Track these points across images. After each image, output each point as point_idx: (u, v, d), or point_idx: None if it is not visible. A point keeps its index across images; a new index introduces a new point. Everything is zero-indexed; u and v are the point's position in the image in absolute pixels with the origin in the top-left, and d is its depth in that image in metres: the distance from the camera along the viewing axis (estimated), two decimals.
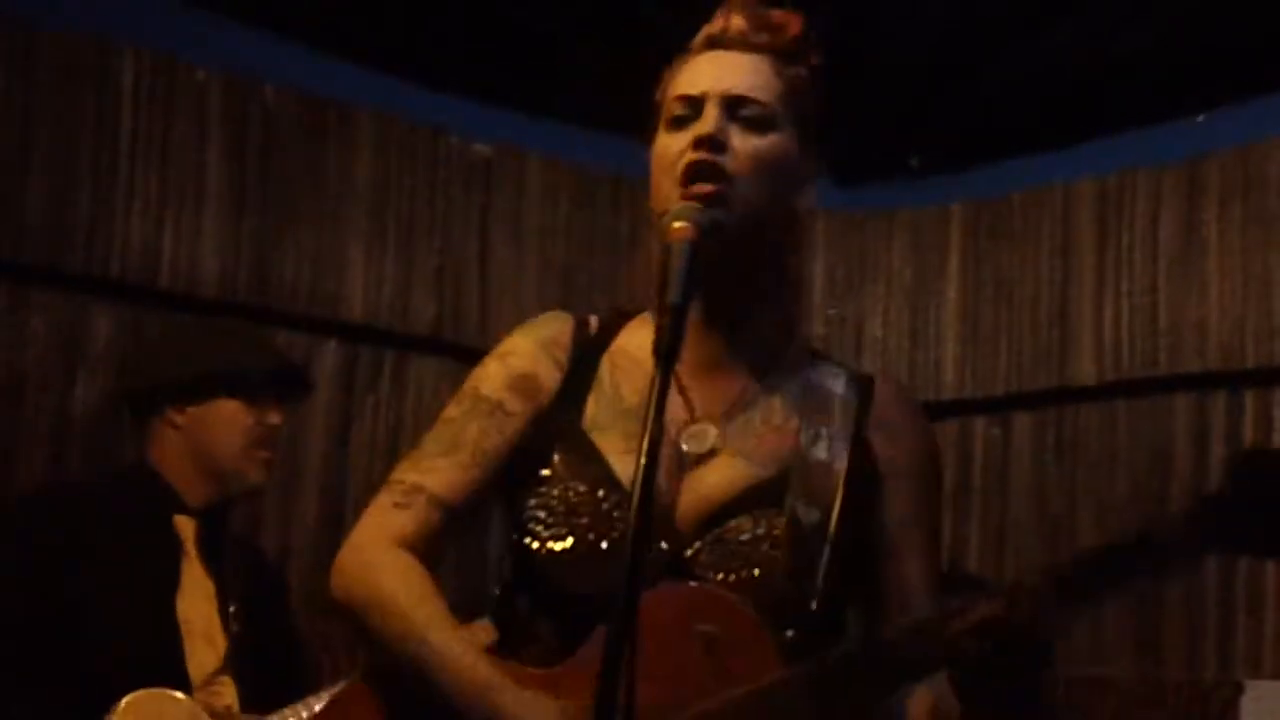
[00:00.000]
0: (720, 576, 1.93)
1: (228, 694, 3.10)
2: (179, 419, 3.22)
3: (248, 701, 3.11)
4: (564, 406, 2.04)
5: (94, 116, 3.97)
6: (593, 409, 2.03)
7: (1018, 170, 4.81)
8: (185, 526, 3.20)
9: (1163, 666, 4.37)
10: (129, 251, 4.00)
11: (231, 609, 3.17)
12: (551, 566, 1.96)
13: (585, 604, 1.90)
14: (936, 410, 4.88)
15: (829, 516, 1.97)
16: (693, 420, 2.01)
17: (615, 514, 1.95)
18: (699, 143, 1.98)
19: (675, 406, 1.99)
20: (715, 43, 2.06)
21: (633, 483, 1.88)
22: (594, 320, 2.12)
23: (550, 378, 2.06)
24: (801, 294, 2.17)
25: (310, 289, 4.25)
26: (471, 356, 2.25)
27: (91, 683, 2.99)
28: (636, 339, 2.07)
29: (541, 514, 1.97)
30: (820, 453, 2.01)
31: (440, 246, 4.46)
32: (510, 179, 4.57)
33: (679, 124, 2.02)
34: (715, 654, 1.78)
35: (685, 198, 1.94)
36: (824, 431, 2.02)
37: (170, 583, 3.15)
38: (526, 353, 2.08)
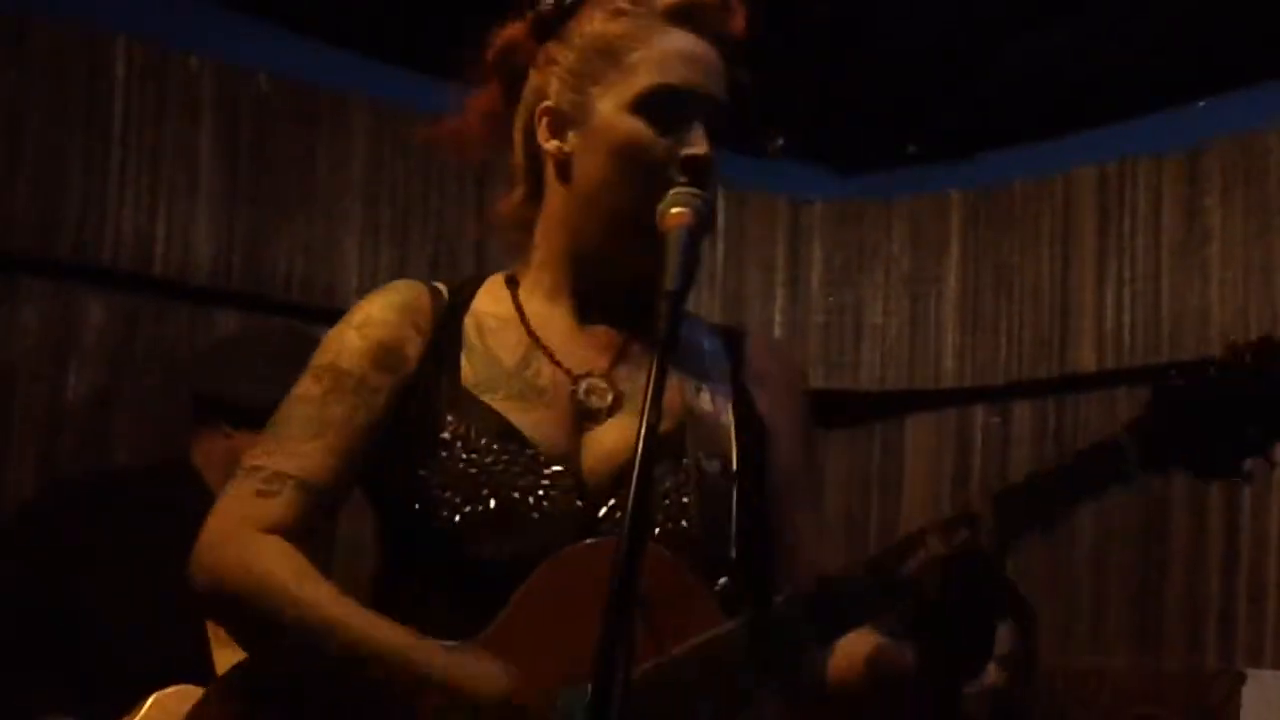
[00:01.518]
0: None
1: None
2: (231, 433, 3.20)
3: None
4: (435, 371, 1.96)
5: (86, 104, 3.95)
6: (469, 370, 1.96)
7: (1018, 158, 4.80)
8: None
9: (1163, 656, 4.36)
10: (121, 240, 3.98)
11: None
12: (465, 533, 1.87)
13: (500, 572, 1.84)
14: (936, 399, 4.88)
15: (729, 466, 1.94)
16: (574, 379, 1.96)
17: (532, 472, 1.90)
18: (692, 165, 1.91)
19: (545, 369, 1.97)
20: (683, 17, 1.98)
21: (546, 442, 1.90)
22: (442, 287, 2.04)
23: (413, 345, 1.97)
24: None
25: (304, 277, 4.24)
26: None
27: (113, 677, 2.98)
28: (494, 300, 2.03)
29: (446, 479, 1.89)
30: (705, 405, 1.97)
31: (434, 234, 4.44)
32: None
33: (660, 120, 1.93)
34: (646, 611, 1.73)
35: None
36: (704, 385, 1.99)
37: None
38: (385, 321, 1.98)
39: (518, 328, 2.00)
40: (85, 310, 3.97)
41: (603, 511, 1.91)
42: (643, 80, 1.95)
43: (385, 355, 1.96)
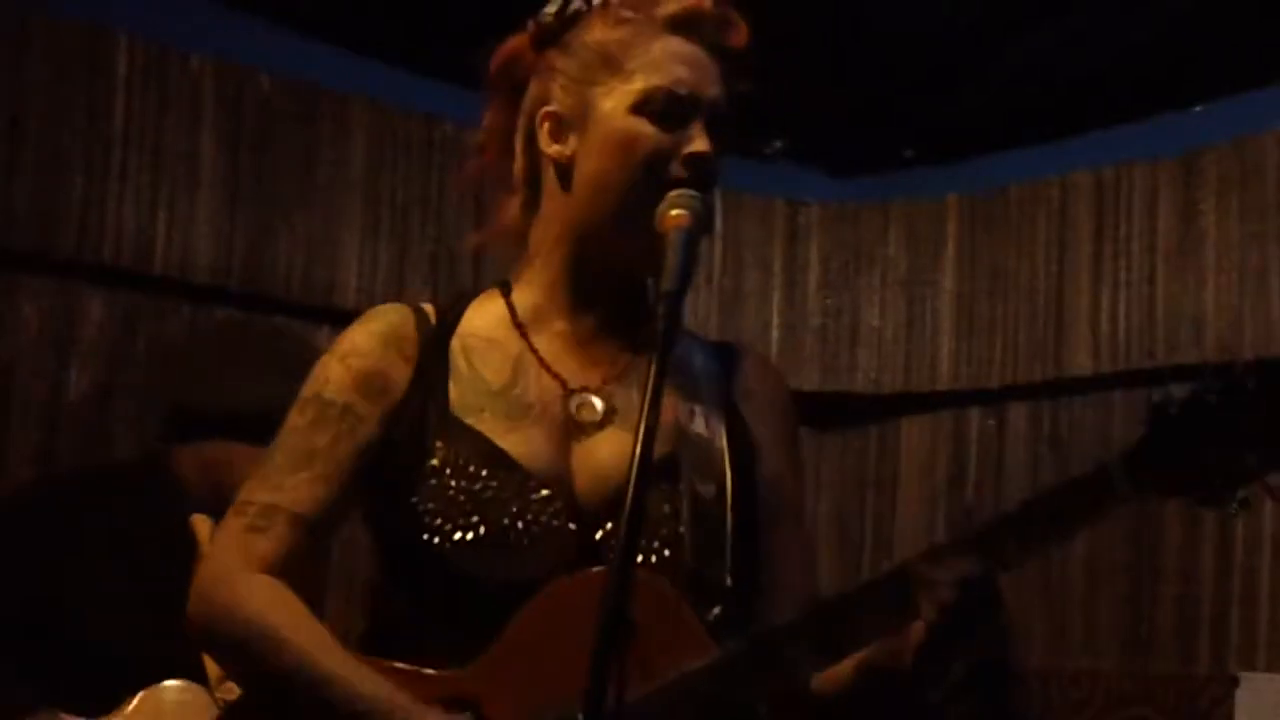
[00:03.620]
0: (639, 557, 1.84)
1: None
2: (203, 445, 3.19)
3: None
4: (422, 397, 1.96)
5: (87, 102, 3.96)
6: (456, 394, 1.95)
7: (1014, 162, 4.81)
8: (201, 526, 3.18)
9: (1156, 659, 4.37)
10: (122, 238, 3.98)
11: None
12: (459, 558, 1.87)
13: (493, 596, 1.85)
14: (932, 401, 4.89)
15: (724, 490, 1.95)
16: (567, 392, 1.96)
17: (521, 495, 1.90)
18: (697, 162, 1.93)
19: (540, 379, 1.97)
20: (684, 26, 2.00)
21: (535, 464, 1.89)
22: (429, 308, 2.03)
23: (399, 373, 1.97)
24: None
25: (304, 276, 4.24)
26: None
27: (104, 672, 2.99)
28: (482, 319, 2.02)
29: (437, 506, 1.89)
30: (700, 428, 1.97)
31: (434, 234, 4.45)
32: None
33: (662, 120, 1.95)
34: (638, 641, 1.69)
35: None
36: (698, 407, 1.98)
37: (182, 582, 3.13)
38: (369, 350, 1.97)
39: (508, 341, 2.00)
40: (86, 308, 3.97)
41: (599, 534, 1.91)
42: (643, 82, 1.97)
43: (370, 383, 1.96)
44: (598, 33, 2.01)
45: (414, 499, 1.90)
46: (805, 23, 4.35)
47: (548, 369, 1.97)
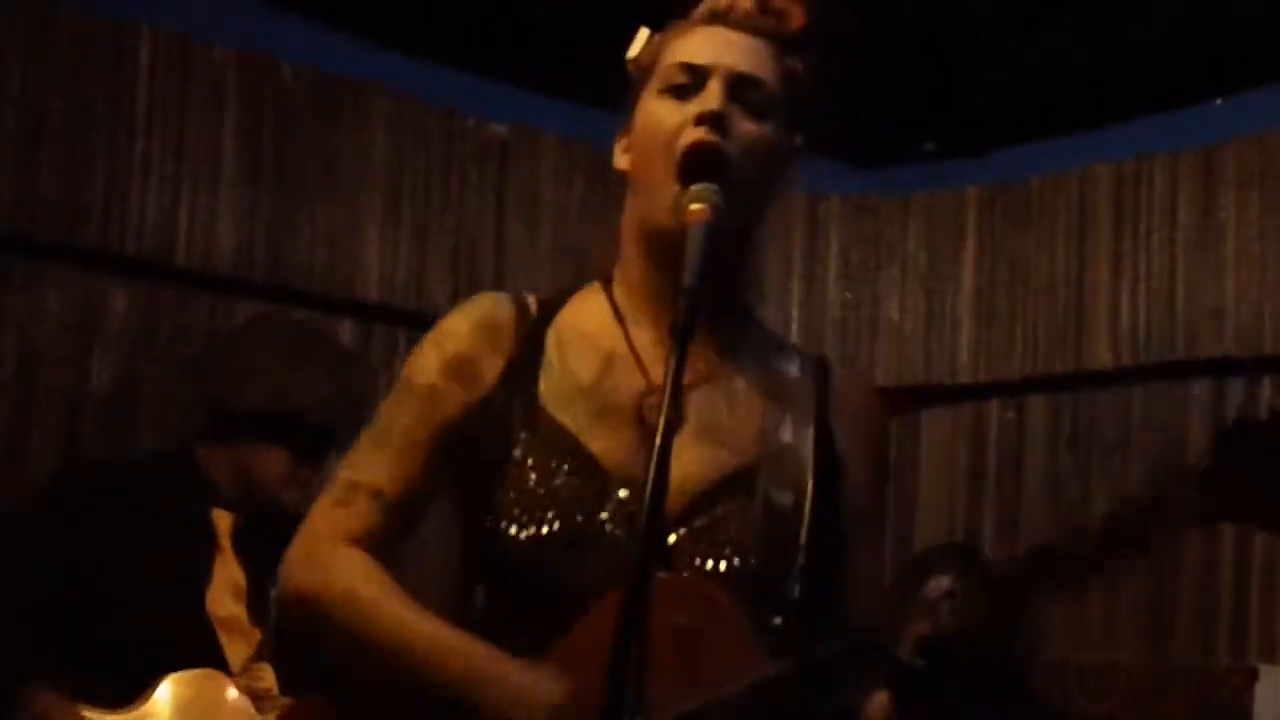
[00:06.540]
0: (708, 565, 1.88)
1: (268, 678, 3.10)
2: (235, 445, 3.21)
3: (286, 688, 3.10)
4: (513, 389, 1.95)
5: (110, 94, 3.97)
6: (546, 387, 1.95)
7: (1034, 155, 4.81)
8: (222, 520, 3.20)
9: (1175, 652, 4.37)
10: (144, 229, 4.00)
11: (272, 596, 3.16)
12: (532, 554, 1.87)
13: (564, 595, 1.85)
14: (952, 394, 4.89)
15: (802, 501, 1.94)
16: (651, 391, 1.93)
17: (601, 495, 1.89)
18: (703, 119, 1.91)
19: (631, 376, 1.95)
20: (718, 18, 2.00)
21: (617, 465, 1.89)
22: (532, 300, 2.03)
23: (491, 363, 1.97)
24: (761, 272, 2.08)
25: (325, 268, 4.26)
26: None
27: (121, 664, 3.00)
28: (582, 312, 2.02)
29: (516, 499, 1.89)
30: (786, 437, 1.97)
31: (455, 226, 4.46)
32: (525, 159, 4.57)
33: (678, 93, 1.95)
34: (686, 647, 1.72)
35: (684, 184, 1.88)
36: (788, 416, 1.99)
37: (202, 575, 3.14)
38: (463, 336, 1.98)
39: (605, 336, 1.99)
40: (109, 298, 3.99)
41: (672, 539, 1.89)
42: (664, 65, 1.99)
43: (459, 368, 1.97)
44: (654, 48, 2.03)
45: (497, 490, 1.91)
46: (825, 15, 4.35)
47: (640, 365, 1.96)
